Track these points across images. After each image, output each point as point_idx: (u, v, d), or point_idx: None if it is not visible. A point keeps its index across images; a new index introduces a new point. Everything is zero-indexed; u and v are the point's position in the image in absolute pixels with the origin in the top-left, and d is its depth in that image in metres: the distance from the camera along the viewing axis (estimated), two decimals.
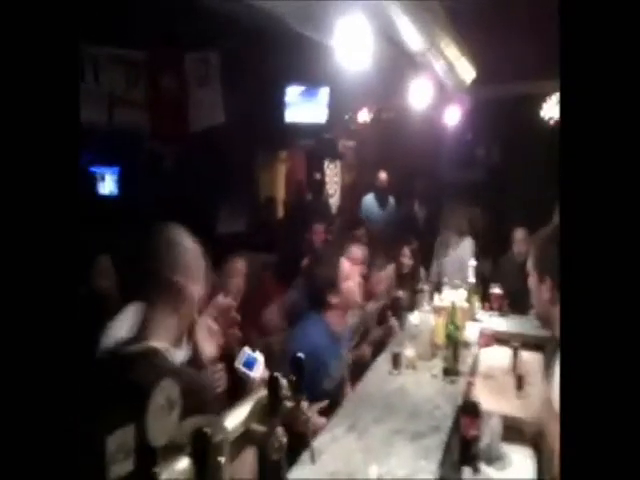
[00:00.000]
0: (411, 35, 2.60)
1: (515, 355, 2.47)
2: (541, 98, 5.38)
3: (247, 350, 1.39)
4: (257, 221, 5.59)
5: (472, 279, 3.20)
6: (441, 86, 3.66)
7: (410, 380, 2.26)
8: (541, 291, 1.35)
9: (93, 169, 6.82)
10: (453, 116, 4.55)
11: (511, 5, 3.95)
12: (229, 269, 2.65)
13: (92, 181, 6.70)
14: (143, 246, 1.09)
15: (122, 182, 6.66)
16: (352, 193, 6.87)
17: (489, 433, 1.89)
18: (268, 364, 1.37)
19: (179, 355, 1.89)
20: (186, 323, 1.14)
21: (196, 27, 4.20)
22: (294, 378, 1.00)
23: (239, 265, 2.72)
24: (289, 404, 0.99)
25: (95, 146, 6.73)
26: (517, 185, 5.78)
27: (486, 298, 3.30)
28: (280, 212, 6.18)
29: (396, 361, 2.32)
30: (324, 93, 5.69)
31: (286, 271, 3.26)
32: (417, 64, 2.99)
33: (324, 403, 1.85)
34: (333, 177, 6.98)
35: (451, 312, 2.39)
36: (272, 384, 0.93)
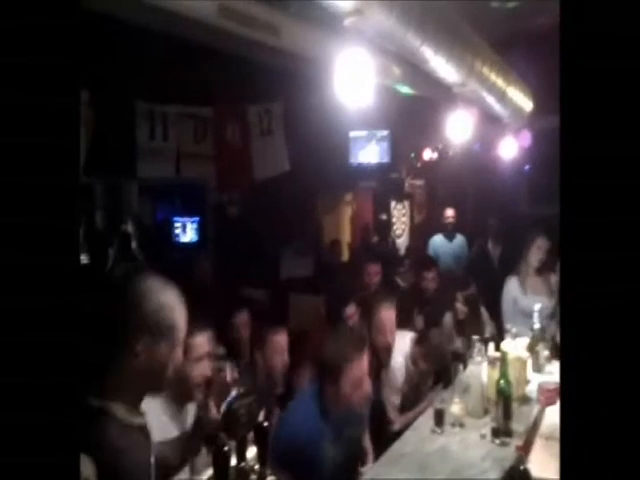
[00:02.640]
0: (445, 68, 2.52)
1: None
2: None
3: None
4: (322, 264, 5.60)
5: (537, 325, 2.89)
6: (496, 119, 3.50)
7: (454, 440, 2.05)
8: None
9: (176, 219, 7.35)
10: (509, 149, 4.31)
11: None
12: (270, 345, 2.43)
13: (173, 230, 7.21)
14: (113, 300, 1.06)
15: (200, 231, 7.06)
16: (422, 233, 6.69)
17: None
18: None
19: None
20: (157, 384, 1.10)
21: (260, 81, 4.44)
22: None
23: (281, 340, 2.46)
24: (253, 477, 0.91)
25: (177, 198, 7.27)
26: None
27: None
28: (346, 255, 6.15)
29: (439, 418, 2.12)
30: (385, 135, 5.70)
31: (337, 315, 3.18)
32: (456, 96, 2.88)
33: None
34: (401, 217, 6.84)
35: (502, 364, 2.16)
36: (218, 456, 0.86)
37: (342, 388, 1.83)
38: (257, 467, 0.92)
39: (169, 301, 1.09)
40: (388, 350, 2.75)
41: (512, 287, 3.48)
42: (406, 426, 2.30)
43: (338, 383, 1.82)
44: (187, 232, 7.21)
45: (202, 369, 1.76)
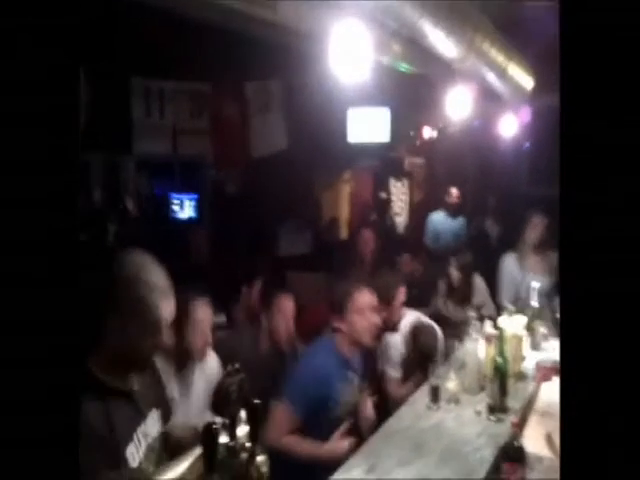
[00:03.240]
0: (445, 43, 2.46)
1: None
2: None
3: None
4: (320, 242, 5.59)
5: (535, 303, 2.89)
6: (497, 96, 3.43)
7: (450, 417, 2.06)
8: None
9: (174, 196, 7.31)
10: (510, 126, 4.25)
11: None
12: (277, 308, 2.48)
13: (171, 207, 7.18)
14: (98, 280, 1.04)
15: (198, 208, 7.04)
16: (422, 211, 6.66)
17: None
18: None
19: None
20: (140, 363, 1.10)
21: (258, 58, 4.35)
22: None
23: (288, 303, 2.51)
24: (244, 455, 0.91)
25: (175, 175, 7.21)
26: None
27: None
28: (344, 233, 6.13)
29: (435, 394, 2.13)
30: (385, 113, 5.62)
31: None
32: (456, 73, 2.83)
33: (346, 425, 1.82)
34: (400, 196, 6.81)
35: (499, 341, 2.16)
36: (206, 434, 0.85)
37: (350, 321, 2.01)
38: (248, 445, 0.91)
39: (155, 281, 1.07)
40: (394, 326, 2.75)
41: (509, 264, 3.47)
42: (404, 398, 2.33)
43: (345, 315, 2.00)
44: (185, 209, 7.20)
45: (203, 335, 1.85)
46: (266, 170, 5.29)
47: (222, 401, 0.91)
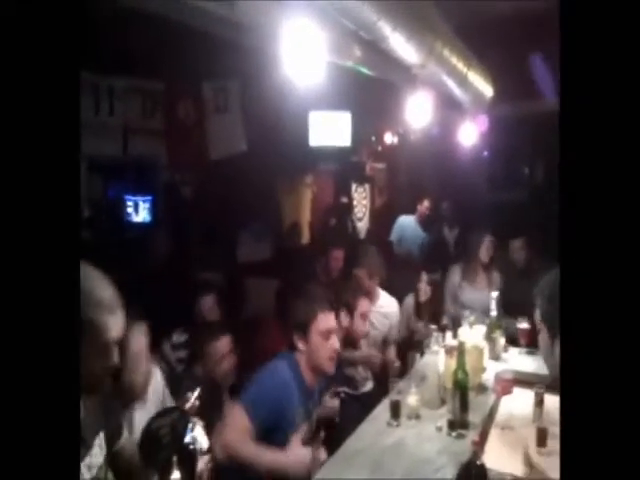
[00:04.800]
0: (405, 47, 2.41)
1: (538, 403, 2.14)
2: None
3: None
4: (281, 248, 5.46)
5: (494, 312, 2.88)
6: (458, 104, 3.42)
7: (410, 434, 1.99)
8: (554, 349, 1.15)
9: (128, 197, 7.01)
10: (469, 135, 4.28)
11: (530, 22, 3.74)
12: (213, 353, 2.20)
13: (125, 209, 6.89)
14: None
15: (153, 211, 6.78)
16: (383, 216, 6.65)
17: None
18: None
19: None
20: (94, 385, 0.98)
21: (215, 57, 4.20)
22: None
23: (222, 346, 2.24)
24: None
25: (129, 176, 6.93)
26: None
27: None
28: (306, 238, 6.03)
29: (395, 410, 2.05)
30: (346, 117, 5.57)
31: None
32: (417, 79, 2.79)
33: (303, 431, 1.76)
34: (361, 200, 6.77)
35: (458, 354, 2.11)
36: None
37: (312, 343, 1.91)
38: None
39: (102, 298, 0.98)
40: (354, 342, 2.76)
41: (455, 277, 3.58)
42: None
43: (307, 337, 1.91)
44: (140, 211, 6.92)
45: (141, 365, 1.66)
46: (225, 173, 5.13)
47: (152, 446, 0.79)
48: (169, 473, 0.80)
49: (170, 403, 1.97)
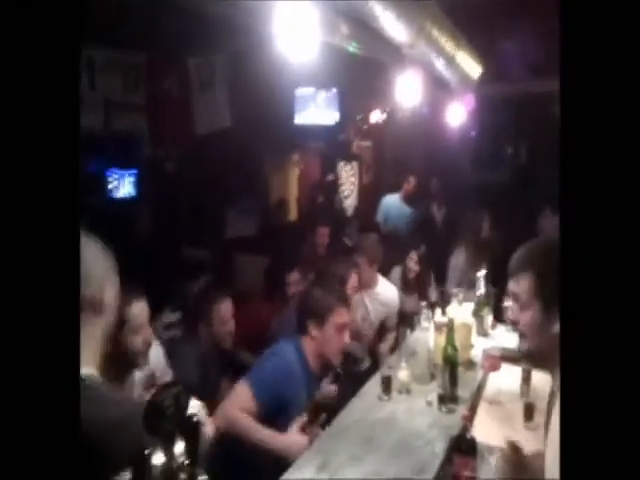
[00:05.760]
0: (395, 26, 2.37)
1: (525, 379, 2.18)
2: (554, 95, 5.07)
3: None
4: (268, 224, 5.44)
5: (482, 290, 2.91)
6: (445, 84, 3.40)
7: (401, 408, 2.01)
8: (546, 324, 1.10)
9: (110, 172, 6.84)
10: (457, 115, 4.28)
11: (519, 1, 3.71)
12: (216, 315, 2.31)
13: (106, 184, 6.73)
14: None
15: (138, 185, 6.64)
16: (370, 194, 6.65)
17: (489, 474, 1.63)
18: None
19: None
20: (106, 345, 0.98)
21: (201, 30, 4.08)
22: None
23: (225, 308, 2.35)
24: (182, 477, 0.78)
25: (111, 150, 6.76)
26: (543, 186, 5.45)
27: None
28: (293, 215, 6.01)
29: (386, 385, 2.08)
30: (333, 94, 5.51)
31: (280, 278, 3.06)
32: (405, 58, 2.76)
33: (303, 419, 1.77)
34: (349, 178, 6.75)
35: (448, 331, 2.13)
36: (136, 459, 0.72)
37: (326, 334, 1.92)
38: (187, 464, 0.79)
39: (96, 270, 0.95)
40: None
41: (460, 258, 3.61)
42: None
43: (322, 327, 1.91)
44: (124, 186, 6.76)
45: (143, 336, 1.67)
46: (211, 149, 5.05)
47: (155, 418, 0.78)
48: (173, 445, 0.79)
49: (169, 371, 2.00)
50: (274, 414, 1.81)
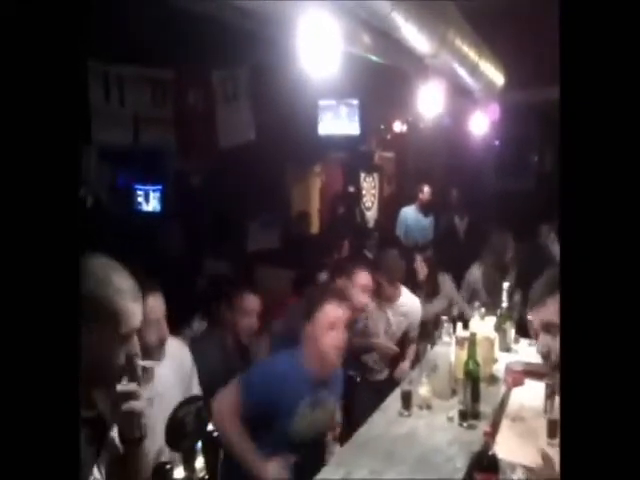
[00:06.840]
0: (417, 36, 2.39)
1: (549, 395, 2.15)
2: None
3: None
4: (290, 236, 5.47)
5: (505, 303, 2.88)
6: (469, 92, 3.40)
7: (422, 424, 2.01)
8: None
9: (138, 187, 7.02)
10: (480, 124, 4.25)
11: (540, 7, 3.69)
12: (240, 306, 2.37)
13: (135, 198, 6.91)
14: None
15: (163, 200, 6.79)
16: (392, 205, 6.64)
17: None
18: None
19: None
20: (105, 375, 0.99)
21: (225, 44, 4.17)
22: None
23: (251, 303, 2.41)
24: None
25: (139, 165, 6.95)
26: None
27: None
28: (315, 227, 6.04)
29: (406, 401, 2.07)
30: (355, 105, 5.55)
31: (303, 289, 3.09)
32: (428, 68, 2.77)
33: (289, 459, 1.70)
34: (370, 189, 6.76)
35: (470, 345, 2.11)
36: (157, 476, 0.75)
37: (316, 332, 1.90)
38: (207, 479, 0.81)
39: (119, 285, 0.98)
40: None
41: (475, 276, 3.62)
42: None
43: (313, 325, 1.90)
44: (150, 201, 6.93)
45: (158, 331, 1.69)
46: (234, 162, 5.13)
47: (177, 433, 0.81)
48: (194, 460, 0.82)
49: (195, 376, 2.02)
50: (259, 417, 1.83)
